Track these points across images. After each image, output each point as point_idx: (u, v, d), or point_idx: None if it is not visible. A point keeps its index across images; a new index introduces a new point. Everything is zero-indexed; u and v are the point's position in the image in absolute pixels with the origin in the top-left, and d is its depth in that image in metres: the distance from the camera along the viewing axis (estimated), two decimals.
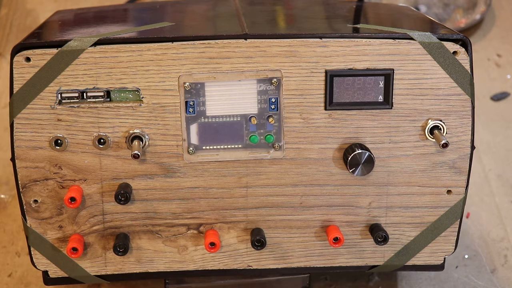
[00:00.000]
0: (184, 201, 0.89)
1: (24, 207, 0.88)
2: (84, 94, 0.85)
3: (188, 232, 0.91)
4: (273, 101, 0.86)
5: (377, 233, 0.89)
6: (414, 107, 0.87)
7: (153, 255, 0.91)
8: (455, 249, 0.93)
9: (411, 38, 0.85)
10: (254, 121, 0.87)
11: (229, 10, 1.03)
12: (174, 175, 0.88)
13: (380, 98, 0.87)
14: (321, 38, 0.85)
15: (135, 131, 0.86)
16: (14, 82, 0.84)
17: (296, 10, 1.07)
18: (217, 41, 0.84)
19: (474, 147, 0.89)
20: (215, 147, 0.88)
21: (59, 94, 0.84)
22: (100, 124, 0.85)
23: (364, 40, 0.85)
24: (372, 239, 0.90)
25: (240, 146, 0.88)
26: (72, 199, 0.86)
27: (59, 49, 0.83)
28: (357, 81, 0.86)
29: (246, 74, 0.85)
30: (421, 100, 0.87)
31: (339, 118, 0.87)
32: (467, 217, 1.16)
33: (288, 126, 0.87)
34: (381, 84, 0.86)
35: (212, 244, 0.89)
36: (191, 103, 0.86)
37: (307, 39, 0.84)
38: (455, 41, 0.85)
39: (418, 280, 1.04)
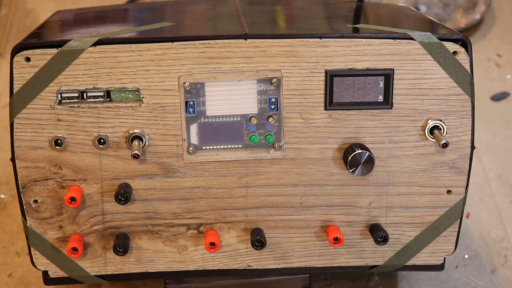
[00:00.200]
0: (184, 201, 0.89)
1: (24, 207, 0.88)
2: (84, 94, 0.85)
3: (188, 232, 0.91)
4: (273, 101, 0.86)
5: (377, 233, 0.89)
6: (414, 107, 0.87)
7: (153, 255, 0.91)
8: (455, 249, 0.93)
9: (411, 38, 0.85)
10: (254, 121, 0.87)
11: (229, 10, 1.03)
12: (174, 175, 0.88)
13: (380, 98, 0.87)
14: (321, 38, 0.85)
15: (135, 131, 0.86)
16: (14, 82, 0.84)
17: (296, 10, 1.07)
18: (217, 41, 0.84)
19: (474, 147, 0.89)
20: (215, 147, 0.88)
21: (59, 94, 0.84)
22: (100, 124, 0.85)
23: (364, 40, 0.85)
24: (372, 239, 0.90)
25: (240, 146, 0.88)
26: (72, 199, 0.86)
27: (59, 49, 0.83)
28: (357, 81, 0.86)
29: (246, 74, 0.85)
30: (421, 100, 0.87)
31: (339, 118, 0.87)
32: (467, 217, 1.16)
33: (288, 126, 0.87)
34: (381, 84, 0.86)
35: (212, 244, 0.89)
36: (191, 103, 0.86)
37: (307, 39, 0.84)
38: (455, 41, 0.85)
39: (418, 280, 1.04)
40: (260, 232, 0.90)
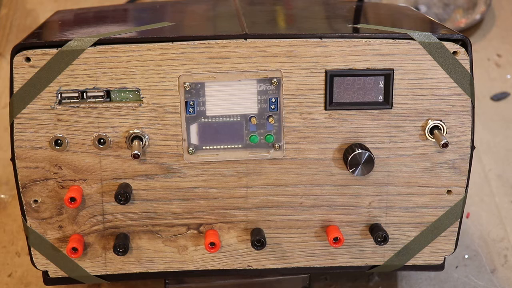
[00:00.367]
0: (184, 201, 0.89)
1: (24, 207, 0.88)
2: (84, 94, 0.85)
3: (188, 232, 0.91)
4: (273, 101, 0.86)
5: (377, 233, 0.89)
6: (414, 107, 0.87)
7: (153, 255, 0.91)
8: (455, 249, 0.93)
9: (411, 38, 0.85)
10: (254, 121, 0.87)
11: (229, 10, 1.03)
12: (174, 175, 0.88)
13: (380, 98, 0.87)
14: (321, 38, 0.85)
15: (135, 131, 0.86)
16: (14, 82, 0.84)
17: (296, 10, 1.07)
18: (217, 41, 0.84)
19: (474, 147, 0.89)
20: (215, 147, 0.88)
21: (59, 94, 0.84)
22: (100, 124, 0.85)
23: (364, 40, 0.85)
24: (372, 239, 0.90)
25: (240, 146, 0.88)
26: (72, 199, 0.86)
27: (59, 49, 0.83)
28: (357, 81, 0.86)
29: (246, 74, 0.85)
30: (421, 100, 0.87)
31: (339, 118, 0.87)
32: (467, 217, 1.16)
33: (288, 126, 0.87)
34: (381, 84, 0.86)
35: (212, 244, 0.89)
36: (191, 103, 0.86)
37: (307, 39, 0.84)
38: (455, 41, 0.85)
39: (418, 280, 1.04)
40: (260, 232, 0.90)
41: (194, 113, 0.86)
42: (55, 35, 0.93)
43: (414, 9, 1.11)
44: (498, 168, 1.26)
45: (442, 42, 0.85)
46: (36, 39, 0.85)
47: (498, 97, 1.41)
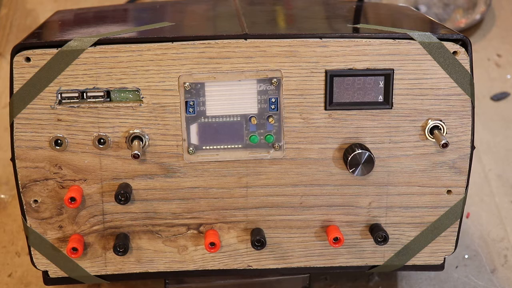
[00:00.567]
0: (184, 201, 0.89)
1: (24, 207, 0.88)
2: (84, 94, 0.85)
3: (188, 232, 0.91)
4: (273, 101, 0.86)
5: (377, 233, 0.89)
6: (414, 107, 0.87)
7: (153, 255, 0.91)
8: (455, 249, 0.93)
9: (411, 38, 0.85)
10: (254, 121, 0.87)
11: (229, 10, 1.03)
12: (174, 175, 0.88)
13: (380, 98, 0.87)
14: (321, 38, 0.85)
15: (135, 131, 0.86)
16: (14, 82, 0.84)
17: (296, 10, 1.07)
18: (217, 41, 0.84)
19: (474, 147, 0.89)
20: (215, 147, 0.88)
21: (59, 94, 0.84)
22: (100, 124, 0.85)
23: (364, 40, 0.85)
24: (372, 239, 0.90)
25: (240, 146, 0.88)
26: (72, 199, 0.86)
27: (59, 49, 0.83)
28: (357, 81, 0.86)
29: (246, 74, 0.85)
30: (421, 100, 0.87)
31: (339, 118, 0.87)
32: (467, 217, 1.16)
33: (288, 126, 0.87)
34: (381, 84, 0.86)
35: (212, 244, 0.89)
36: (191, 103, 0.86)
37: (307, 39, 0.84)
38: (455, 41, 0.85)
39: (418, 280, 1.04)
40: (260, 232, 0.90)
41: (194, 113, 0.86)
42: (55, 35, 0.93)
43: (414, 9, 1.11)
44: (498, 168, 1.26)
45: (442, 42, 0.85)
46: (36, 39, 0.85)
47: (498, 97, 1.41)
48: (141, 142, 0.85)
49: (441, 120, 0.87)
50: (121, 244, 0.88)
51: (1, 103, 1.38)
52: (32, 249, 0.90)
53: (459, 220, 0.92)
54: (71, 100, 0.85)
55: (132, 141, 0.86)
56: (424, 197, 0.90)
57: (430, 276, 1.04)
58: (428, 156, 0.89)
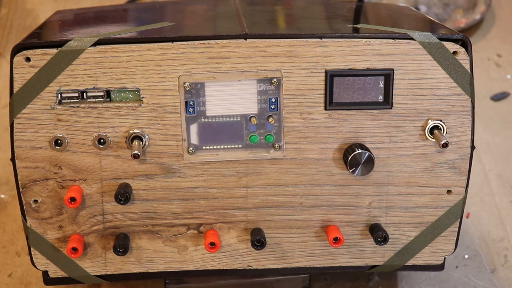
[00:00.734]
0: (184, 201, 0.89)
1: (24, 207, 0.88)
2: (84, 94, 0.85)
3: (188, 232, 0.91)
4: (273, 101, 0.86)
5: (377, 233, 0.89)
6: (414, 107, 0.87)
7: (153, 255, 0.91)
8: (455, 249, 0.93)
9: (411, 38, 0.85)
10: (254, 121, 0.87)
11: (229, 10, 1.03)
12: (174, 175, 0.88)
13: (380, 98, 0.87)
14: (321, 38, 0.85)
15: (135, 131, 0.86)
16: (14, 82, 0.84)
17: (296, 10, 1.07)
18: (217, 41, 0.84)
19: (474, 147, 0.89)
20: (215, 147, 0.88)
21: (59, 94, 0.84)
22: (100, 124, 0.85)
23: (364, 40, 0.85)
24: (372, 239, 0.90)
25: (240, 146, 0.88)
26: (72, 199, 0.86)
27: (59, 49, 0.83)
28: (357, 81, 0.86)
29: (246, 74, 0.85)
30: (421, 100, 0.87)
31: (339, 118, 0.87)
32: (467, 217, 1.16)
33: (288, 126, 0.87)
34: (381, 84, 0.86)
35: (212, 244, 0.89)
36: (191, 103, 0.86)
37: (307, 39, 0.84)
38: (455, 41, 0.85)
39: (418, 280, 1.04)
40: (260, 232, 0.90)
41: (194, 113, 0.86)
42: (55, 35, 0.93)
43: (414, 9, 1.11)
44: (498, 168, 1.26)
45: (442, 42, 0.85)
46: (36, 39, 0.85)
47: (498, 97, 1.41)
48: (141, 142, 0.85)
49: (441, 120, 0.87)
50: (121, 244, 0.88)
51: (1, 103, 1.38)
52: (32, 249, 0.90)
53: (459, 220, 0.92)
54: (71, 100, 0.85)
55: (132, 141, 0.86)
56: (424, 197, 0.90)
57: (430, 276, 1.04)
58: (428, 156, 0.89)
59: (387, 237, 0.90)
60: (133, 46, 0.84)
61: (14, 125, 0.85)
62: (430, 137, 0.88)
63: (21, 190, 0.87)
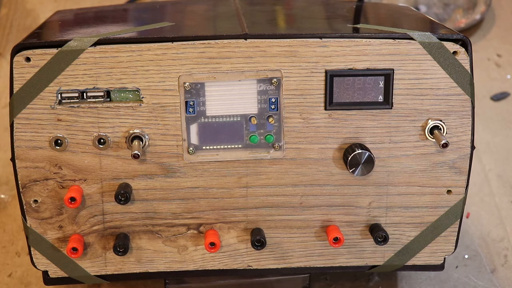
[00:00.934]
0: (184, 201, 0.89)
1: (24, 207, 0.88)
2: (84, 94, 0.85)
3: (188, 232, 0.91)
4: (273, 101, 0.86)
5: (377, 233, 0.89)
6: (414, 107, 0.87)
7: (153, 255, 0.91)
8: (455, 249, 0.93)
9: (411, 38, 0.85)
10: (254, 121, 0.87)
11: (229, 10, 1.03)
12: (174, 175, 0.88)
13: (380, 98, 0.87)
14: (321, 38, 0.85)
15: (135, 131, 0.86)
16: (14, 82, 0.84)
17: (296, 10, 1.07)
18: (217, 41, 0.84)
19: (474, 147, 0.89)
20: (215, 147, 0.88)
21: (59, 94, 0.84)
22: (100, 124, 0.86)
23: (364, 40, 0.85)
24: (372, 239, 0.90)
25: (240, 146, 0.88)
26: (72, 199, 0.86)
27: (59, 49, 0.83)
28: (357, 81, 0.86)
29: (246, 74, 0.85)
30: (421, 100, 0.87)
31: (339, 118, 0.87)
32: (467, 217, 1.16)
33: (288, 126, 0.87)
34: (381, 84, 0.86)
35: (212, 244, 0.89)
36: (191, 103, 0.86)
37: (307, 39, 0.84)
38: (455, 41, 0.85)
39: (418, 280, 1.04)
40: (260, 232, 0.90)
41: (194, 113, 0.86)
42: (55, 35, 0.93)
43: (414, 9, 1.11)
44: (498, 168, 1.26)
45: (442, 42, 0.85)
46: (36, 39, 0.85)
47: (498, 97, 1.41)
48: (141, 142, 0.85)
49: (441, 120, 0.87)
50: (121, 244, 0.88)
51: (1, 103, 1.38)
52: (32, 249, 0.90)
53: (459, 220, 0.92)
54: (71, 100, 0.85)
55: (132, 141, 0.86)
56: (424, 197, 0.90)
57: (430, 276, 1.04)
58: (428, 156, 0.89)
59: (387, 237, 0.90)
60: (133, 46, 0.84)
61: (14, 125, 0.85)
62: (430, 137, 0.88)
63: (21, 190, 0.87)
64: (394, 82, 0.86)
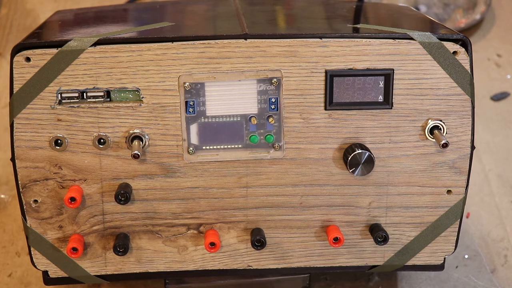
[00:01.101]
0: (184, 201, 0.89)
1: (24, 207, 0.88)
2: (84, 94, 0.85)
3: (188, 232, 0.91)
4: (273, 101, 0.86)
5: (377, 233, 0.89)
6: (414, 107, 0.87)
7: (153, 255, 0.91)
8: (455, 249, 0.93)
9: (411, 38, 0.85)
10: (254, 121, 0.87)
11: (229, 10, 1.03)
12: (174, 175, 0.88)
13: (380, 98, 0.87)
14: (321, 38, 0.85)
15: (135, 131, 0.86)
16: (14, 82, 0.84)
17: (296, 10, 1.07)
18: (217, 41, 0.84)
19: (474, 147, 0.89)
20: (215, 147, 0.88)
21: (59, 94, 0.84)
22: (100, 124, 0.86)
23: (364, 40, 0.85)
24: (372, 239, 0.90)
25: (240, 146, 0.88)
26: (72, 199, 0.86)
27: (59, 49, 0.83)
28: (357, 81, 0.86)
29: (246, 74, 0.85)
30: (421, 100, 0.87)
31: (339, 118, 0.87)
32: (467, 217, 1.16)
33: (288, 126, 0.87)
34: (381, 84, 0.86)
35: (212, 244, 0.89)
36: (191, 103, 0.86)
37: (307, 39, 0.84)
38: (455, 41, 0.85)
39: (418, 280, 1.04)
40: (260, 232, 0.90)
41: (194, 113, 0.86)
42: (55, 35, 0.93)
43: (414, 9, 1.11)
44: (498, 168, 1.26)
45: (442, 42, 0.85)
46: (36, 39, 0.85)
47: (498, 97, 1.41)
48: (141, 142, 0.85)
49: (441, 120, 0.87)
50: (121, 244, 0.88)
51: (1, 103, 1.38)
52: (32, 249, 0.90)
53: (459, 220, 0.92)
54: (71, 100, 0.85)
55: (132, 141, 0.86)
56: (424, 197, 0.90)
57: (430, 276, 1.04)
58: (428, 156, 0.89)
59: (387, 237, 0.90)
60: (133, 46, 0.84)
61: (14, 125, 0.85)
62: (430, 137, 0.88)
63: (21, 190, 0.87)
64: (394, 82, 0.86)
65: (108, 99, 0.85)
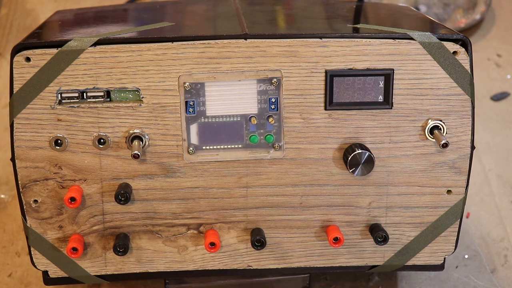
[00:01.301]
0: (184, 201, 0.89)
1: (24, 207, 0.88)
2: (84, 94, 0.85)
3: (188, 232, 0.91)
4: (273, 101, 0.86)
5: (377, 233, 0.89)
6: (414, 107, 0.87)
7: (153, 255, 0.91)
8: (455, 249, 0.93)
9: (411, 38, 0.85)
10: (254, 121, 0.87)
11: (229, 10, 1.03)
12: (174, 175, 0.88)
13: (380, 98, 0.87)
14: (321, 38, 0.85)
15: (135, 131, 0.86)
16: (14, 82, 0.84)
17: (296, 10, 1.07)
18: (217, 41, 0.84)
19: (474, 147, 0.89)
20: (215, 147, 0.88)
21: (59, 94, 0.84)
22: (100, 124, 0.86)
23: (364, 40, 0.85)
24: (372, 239, 0.90)
25: (240, 146, 0.88)
26: (72, 199, 0.86)
27: (59, 49, 0.83)
28: (357, 81, 0.86)
29: (246, 74, 0.85)
30: (421, 100, 0.87)
31: (339, 118, 0.87)
32: (467, 217, 1.16)
33: (288, 126, 0.87)
34: (381, 84, 0.86)
35: (212, 244, 0.89)
36: (191, 103, 0.86)
37: (307, 39, 0.84)
38: (455, 41, 0.85)
39: (418, 280, 1.04)
40: (260, 232, 0.90)
41: (194, 113, 0.86)
42: (55, 35, 0.93)
43: (414, 9, 1.11)
44: (498, 168, 1.26)
45: (442, 42, 0.85)
46: (36, 39, 0.85)
47: (498, 97, 1.41)
48: (141, 142, 0.85)
49: (441, 120, 0.87)
50: (121, 244, 0.88)
51: (1, 103, 1.38)
52: (32, 249, 0.90)
53: (459, 220, 0.92)
54: (71, 100, 0.85)
55: (132, 141, 0.86)
56: (424, 197, 0.90)
57: (430, 276, 1.04)
58: (428, 156, 0.89)
59: (387, 237, 0.90)
60: (133, 46, 0.84)
61: (14, 125, 0.85)
62: (430, 137, 0.88)
63: (21, 190, 0.87)
64: (394, 82, 0.86)
65: (108, 99, 0.85)
